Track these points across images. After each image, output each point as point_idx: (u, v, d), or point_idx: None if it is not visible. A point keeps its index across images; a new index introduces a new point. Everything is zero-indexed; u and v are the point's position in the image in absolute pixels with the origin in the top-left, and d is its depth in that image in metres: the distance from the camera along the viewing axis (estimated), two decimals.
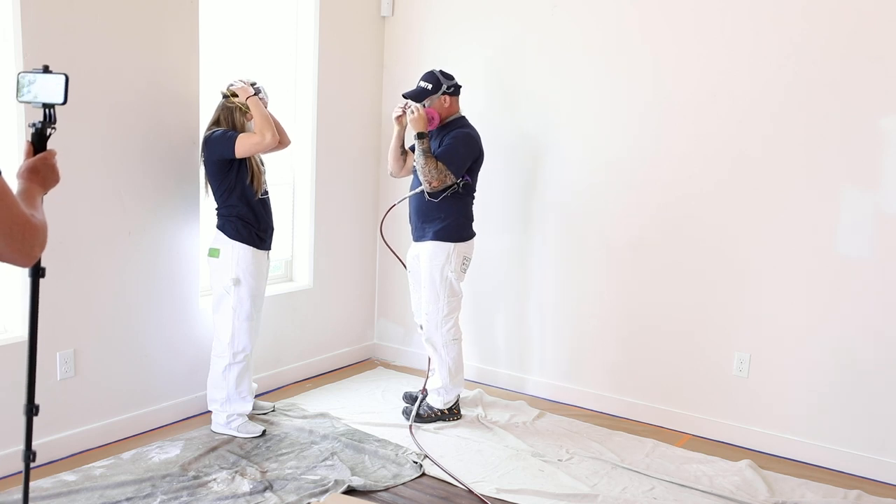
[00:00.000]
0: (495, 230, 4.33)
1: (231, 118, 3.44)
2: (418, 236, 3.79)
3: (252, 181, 3.45)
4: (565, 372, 4.21)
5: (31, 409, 1.97)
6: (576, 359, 4.17)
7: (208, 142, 3.40)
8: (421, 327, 3.90)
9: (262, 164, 3.55)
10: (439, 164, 3.56)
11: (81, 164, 3.16)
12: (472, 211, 3.81)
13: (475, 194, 3.82)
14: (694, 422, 3.82)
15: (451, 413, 3.83)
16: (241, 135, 3.37)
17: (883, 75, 3.26)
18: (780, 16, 3.46)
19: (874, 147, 3.32)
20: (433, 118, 3.67)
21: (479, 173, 3.79)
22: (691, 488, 3.19)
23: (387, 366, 4.73)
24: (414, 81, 4.72)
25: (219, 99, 3.49)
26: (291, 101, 4.28)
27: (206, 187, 3.53)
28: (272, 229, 3.60)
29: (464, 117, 3.76)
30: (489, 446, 3.54)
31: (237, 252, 3.43)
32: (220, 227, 3.47)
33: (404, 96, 3.75)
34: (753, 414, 3.67)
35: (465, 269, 3.80)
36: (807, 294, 3.50)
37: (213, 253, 3.48)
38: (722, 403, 3.75)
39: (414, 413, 3.79)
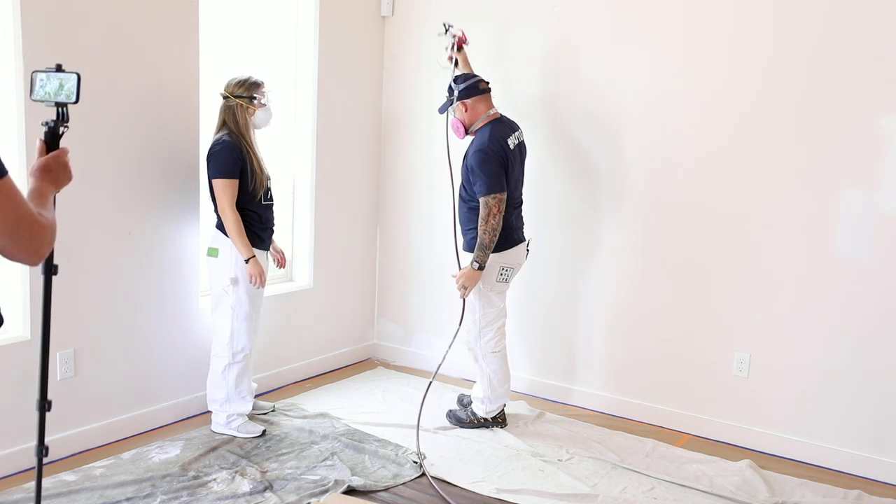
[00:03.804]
0: None
1: (234, 117, 3.41)
2: (464, 245, 3.71)
3: (254, 186, 3.42)
4: (565, 372, 4.21)
5: (44, 405, 1.97)
6: (576, 359, 4.17)
7: (211, 156, 3.38)
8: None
9: (265, 170, 3.50)
10: (487, 209, 3.41)
11: (81, 165, 3.14)
12: (513, 218, 3.60)
13: (519, 201, 3.67)
14: (694, 422, 3.82)
15: (495, 421, 3.76)
16: (227, 182, 3.33)
17: (883, 75, 3.26)
18: (780, 15, 3.46)
19: (874, 147, 3.32)
20: (458, 128, 3.59)
21: (516, 177, 3.60)
22: (691, 488, 3.19)
23: (387, 366, 4.73)
24: (414, 81, 4.74)
25: (220, 101, 3.47)
26: (291, 101, 4.28)
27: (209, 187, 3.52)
28: (271, 230, 3.60)
29: (484, 126, 3.55)
30: (489, 446, 3.54)
31: (236, 252, 3.42)
32: (219, 226, 3.47)
33: (440, 112, 3.70)
34: (753, 414, 3.67)
35: (507, 279, 3.63)
36: (807, 294, 3.50)
37: (212, 252, 3.47)
38: (722, 403, 3.75)
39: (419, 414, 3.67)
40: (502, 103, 4.26)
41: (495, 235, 3.44)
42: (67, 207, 3.10)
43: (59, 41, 3.05)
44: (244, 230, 3.39)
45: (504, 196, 3.45)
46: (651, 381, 3.95)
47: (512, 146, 3.55)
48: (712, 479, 3.30)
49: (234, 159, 3.35)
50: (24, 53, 2.94)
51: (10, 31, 2.94)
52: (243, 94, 3.41)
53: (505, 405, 3.82)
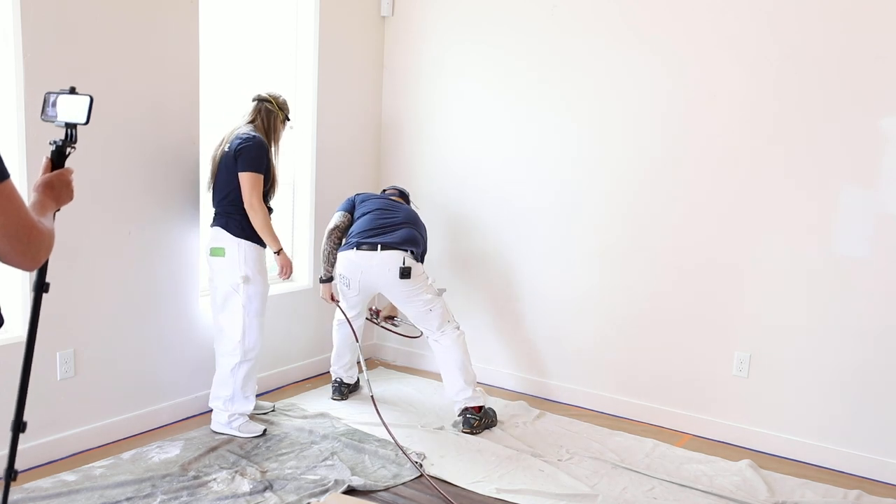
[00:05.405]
0: (493, 230, 4.33)
1: (272, 123, 3.54)
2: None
3: (269, 188, 3.49)
4: (565, 372, 4.21)
5: (18, 425, 1.93)
6: (576, 359, 4.17)
7: (243, 150, 3.37)
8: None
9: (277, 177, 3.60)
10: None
11: (82, 165, 3.13)
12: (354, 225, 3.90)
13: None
14: (694, 422, 3.83)
15: (333, 383, 4.10)
16: (257, 177, 3.38)
17: (882, 75, 3.26)
18: (780, 15, 3.46)
19: (874, 147, 3.32)
20: None
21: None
22: (691, 488, 3.19)
23: (387, 366, 4.73)
24: (415, 81, 4.74)
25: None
26: (291, 101, 4.27)
27: (210, 183, 3.51)
28: None
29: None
30: (489, 446, 3.54)
31: (244, 250, 3.43)
32: (223, 224, 3.44)
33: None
34: (753, 414, 3.67)
35: (348, 285, 3.87)
36: (807, 294, 3.50)
37: (218, 252, 3.46)
38: (722, 403, 3.75)
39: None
40: (500, 100, 4.28)
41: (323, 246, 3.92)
42: (68, 208, 3.10)
43: (60, 44, 3.05)
44: (271, 225, 3.48)
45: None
46: (651, 381, 3.95)
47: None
48: (712, 479, 3.30)
49: (262, 157, 3.44)
50: (25, 53, 2.94)
51: (10, 34, 2.94)
52: (286, 110, 3.61)
53: (339, 379, 4.09)
